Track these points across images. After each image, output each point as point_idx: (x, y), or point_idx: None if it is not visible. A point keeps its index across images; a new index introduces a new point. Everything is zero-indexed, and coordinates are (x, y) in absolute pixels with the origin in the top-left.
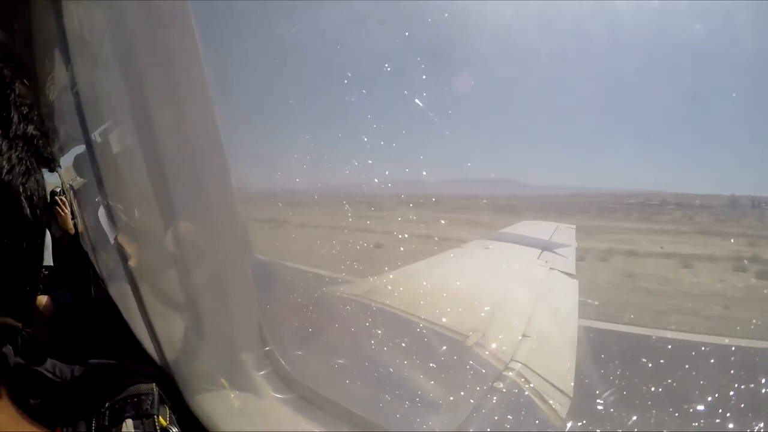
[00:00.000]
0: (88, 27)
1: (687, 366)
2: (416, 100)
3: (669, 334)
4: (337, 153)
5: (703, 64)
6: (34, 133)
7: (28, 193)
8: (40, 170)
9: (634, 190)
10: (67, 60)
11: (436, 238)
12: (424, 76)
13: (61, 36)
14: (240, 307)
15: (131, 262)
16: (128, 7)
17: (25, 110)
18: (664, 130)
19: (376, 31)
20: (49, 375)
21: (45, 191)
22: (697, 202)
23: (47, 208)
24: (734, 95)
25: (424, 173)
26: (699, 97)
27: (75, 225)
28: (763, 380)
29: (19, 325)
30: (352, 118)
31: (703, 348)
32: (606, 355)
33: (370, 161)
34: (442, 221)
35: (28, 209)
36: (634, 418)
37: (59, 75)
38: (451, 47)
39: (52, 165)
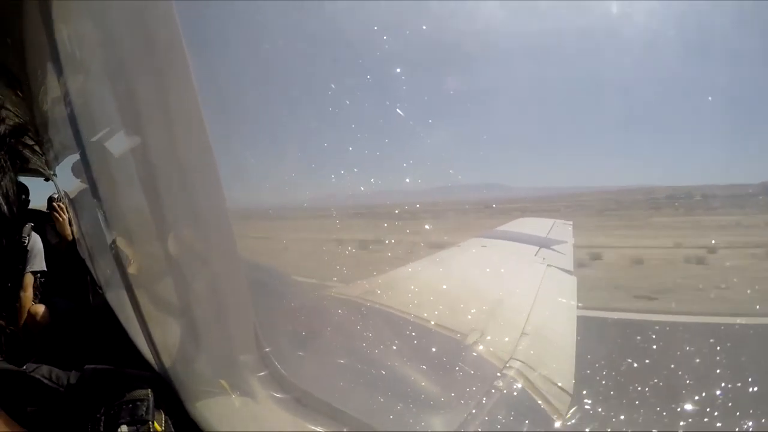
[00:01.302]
0: (79, 39)
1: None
2: (397, 110)
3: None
4: (323, 163)
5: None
6: (5, 132)
7: (4, 191)
8: (14, 168)
9: (625, 186)
10: (60, 71)
11: (422, 244)
12: (404, 87)
13: (52, 48)
14: (236, 311)
15: (128, 269)
16: (118, 20)
17: None
18: (648, 128)
19: (359, 42)
20: (46, 381)
21: (17, 189)
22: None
23: (45, 215)
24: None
25: (407, 180)
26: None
27: (72, 232)
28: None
29: (2, 322)
30: (336, 128)
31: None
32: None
33: (356, 170)
34: (428, 226)
35: (4, 206)
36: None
37: (52, 86)
38: (433, 55)
39: (47, 173)
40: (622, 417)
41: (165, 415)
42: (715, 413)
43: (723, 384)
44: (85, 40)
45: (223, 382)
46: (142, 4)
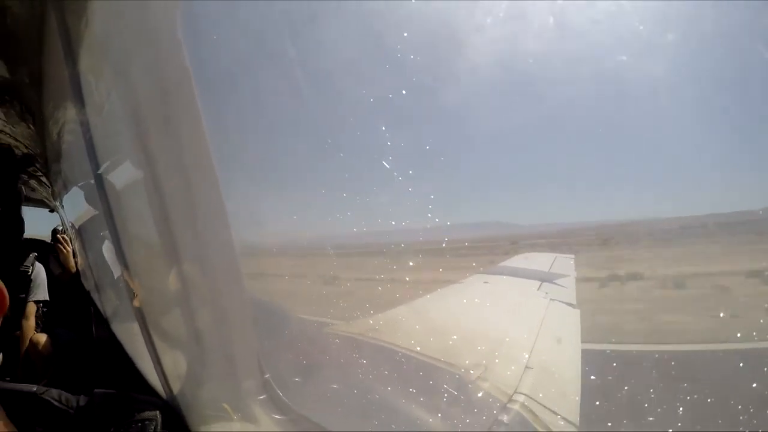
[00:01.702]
0: (96, 75)
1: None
2: (384, 163)
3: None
4: (328, 201)
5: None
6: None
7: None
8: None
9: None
10: (74, 104)
11: (423, 281)
12: (394, 133)
13: (68, 82)
14: (240, 340)
15: (136, 300)
16: (132, 59)
17: None
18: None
19: (354, 79)
20: (56, 403)
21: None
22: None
23: (49, 246)
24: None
25: (408, 220)
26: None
27: (76, 263)
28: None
29: None
30: (340, 168)
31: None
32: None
33: (359, 207)
34: (428, 263)
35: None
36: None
37: (64, 119)
38: (428, 92)
39: (52, 204)
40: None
41: None
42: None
43: (737, 416)
44: (99, 75)
45: (226, 405)
46: (154, 40)
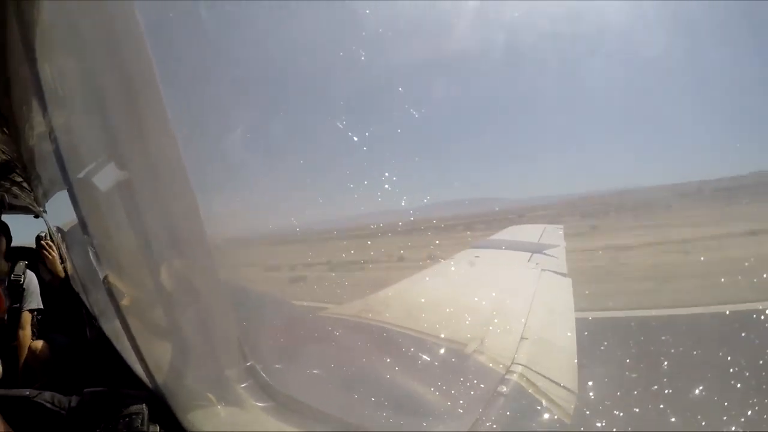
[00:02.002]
0: (62, 76)
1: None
2: (370, 142)
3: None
4: (316, 186)
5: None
6: None
7: None
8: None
9: (618, 189)
10: (44, 107)
11: (416, 258)
12: (399, 106)
13: (36, 84)
14: (221, 330)
15: (121, 299)
16: (98, 56)
17: None
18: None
19: (353, 56)
20: (48, 405)
21: None
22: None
23: (37, 253)
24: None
25: (402, 198)
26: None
27: (64, 267)
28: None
29: None
30: (329, 147)
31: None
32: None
33: (351, 185)
34: (418, 241)
35: None
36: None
37: (37, 122)
38: (428, 70)
39: (37, 210)
40: (628, 415)
41: (159, 427)
42: (723, 409)
43: (729, 380)
44: (67, 77)
45: (212, 394)
46: (119, 41)
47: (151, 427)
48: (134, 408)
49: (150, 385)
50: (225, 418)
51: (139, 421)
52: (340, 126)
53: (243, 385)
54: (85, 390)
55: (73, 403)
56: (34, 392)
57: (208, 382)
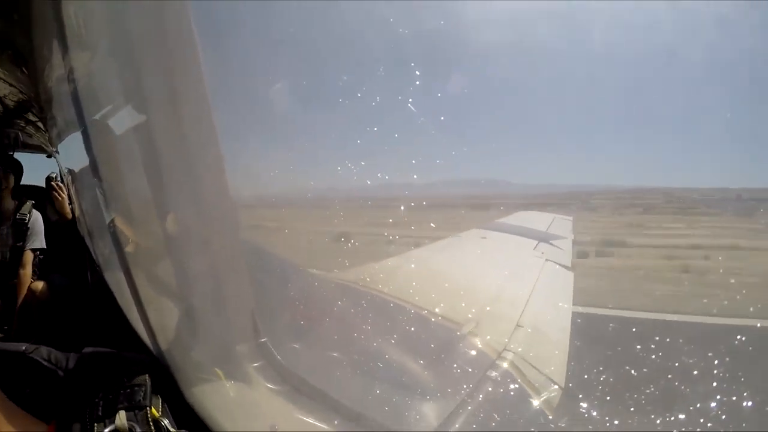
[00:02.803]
0: (86, 16)
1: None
2: (409, 105)
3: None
4: (328, 155)
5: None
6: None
7: None
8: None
9: (628, 186)
10: (65, 48)
11: (422, 235)
12: (417, 82)
13: (59, 24)
14: (235, 299)
15: (126, 249)
16: (130, 9)
17: None
18: (653, 128)
19: (369, 34)
20: (45, 363)
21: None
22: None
23: (46, 192)
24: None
25: (415, 176)
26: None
27: (72, 210)
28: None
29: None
30: (343, 122)
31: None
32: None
33: (362, 162)
34: (428, 218)
35: None
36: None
37: (56, 63)
38: (443, 50)
39: (50, 150)
40: (613, 414)
41: (162, 400)
42: (712, 414)
43: (722, 385)
44: (93, 18)
45: (220, 369)
46: None
47: (154, 399)
48: (138, 379)
49: (152, 349)
50: (232, 397)
51: (142, 394)
52: (377, 98)
53: (254, 364)
54: (84, 349)
55: (71, 363)
56: (31, 347)
57: (217, 355)
